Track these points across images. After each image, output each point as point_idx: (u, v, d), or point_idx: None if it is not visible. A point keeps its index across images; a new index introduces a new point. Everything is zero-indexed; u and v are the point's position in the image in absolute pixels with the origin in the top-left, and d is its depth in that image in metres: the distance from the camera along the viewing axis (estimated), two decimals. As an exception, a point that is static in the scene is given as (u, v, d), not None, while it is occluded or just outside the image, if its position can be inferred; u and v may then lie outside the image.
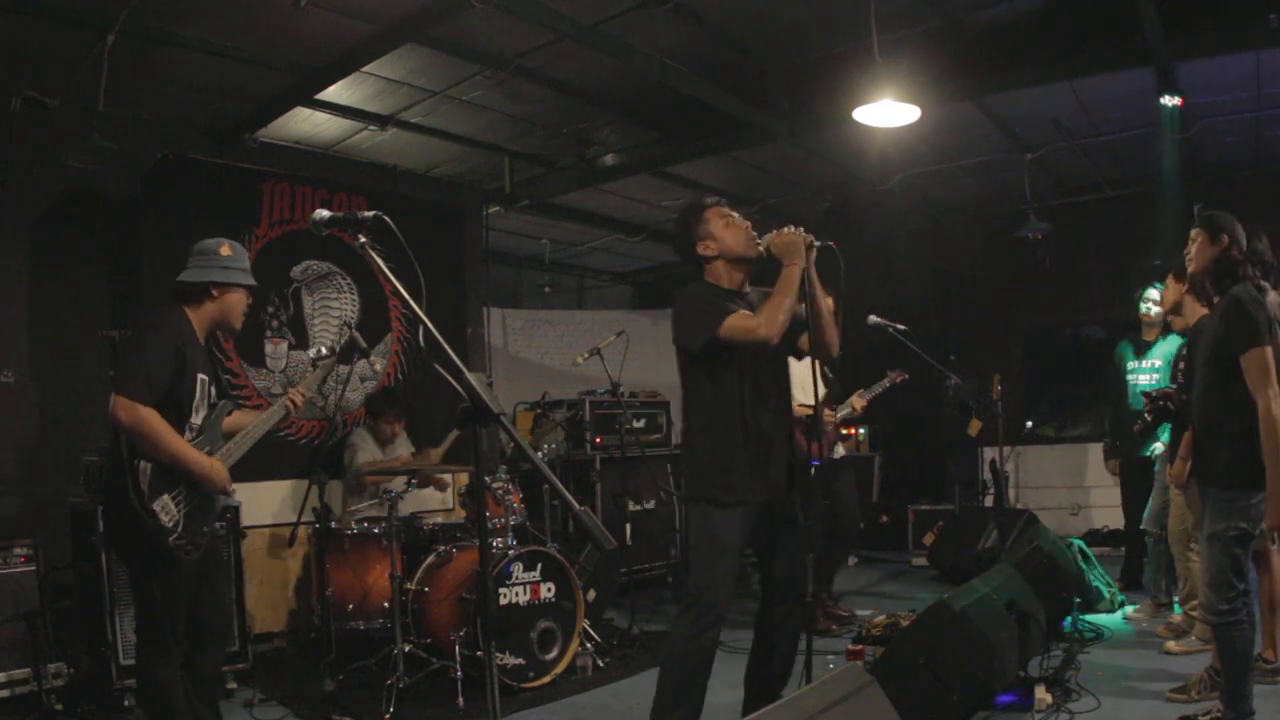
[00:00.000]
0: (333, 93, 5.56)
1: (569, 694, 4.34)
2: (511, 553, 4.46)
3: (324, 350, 3.72)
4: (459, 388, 2.16)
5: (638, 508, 6.56)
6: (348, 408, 5.91)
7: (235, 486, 3.33)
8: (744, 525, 3.14)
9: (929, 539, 7.31)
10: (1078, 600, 5.08)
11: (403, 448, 5.59)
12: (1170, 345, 5.38)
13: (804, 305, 3.10)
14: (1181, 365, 4.72)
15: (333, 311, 5.94)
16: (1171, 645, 4.54)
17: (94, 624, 4.21)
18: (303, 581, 5.53)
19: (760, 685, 3.34)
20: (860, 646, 4.33)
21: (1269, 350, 3.04)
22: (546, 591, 4.52)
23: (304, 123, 6.01)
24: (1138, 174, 7.43)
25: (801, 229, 3.14)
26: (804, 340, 3.19)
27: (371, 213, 2.29)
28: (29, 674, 4.09)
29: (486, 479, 4.82)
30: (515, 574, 4.43)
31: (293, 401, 3.48)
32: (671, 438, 7.31)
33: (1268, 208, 6.10)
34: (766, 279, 3.19)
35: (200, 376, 3.17)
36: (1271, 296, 3.20)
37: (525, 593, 4.45)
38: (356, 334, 4.02)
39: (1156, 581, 5.27)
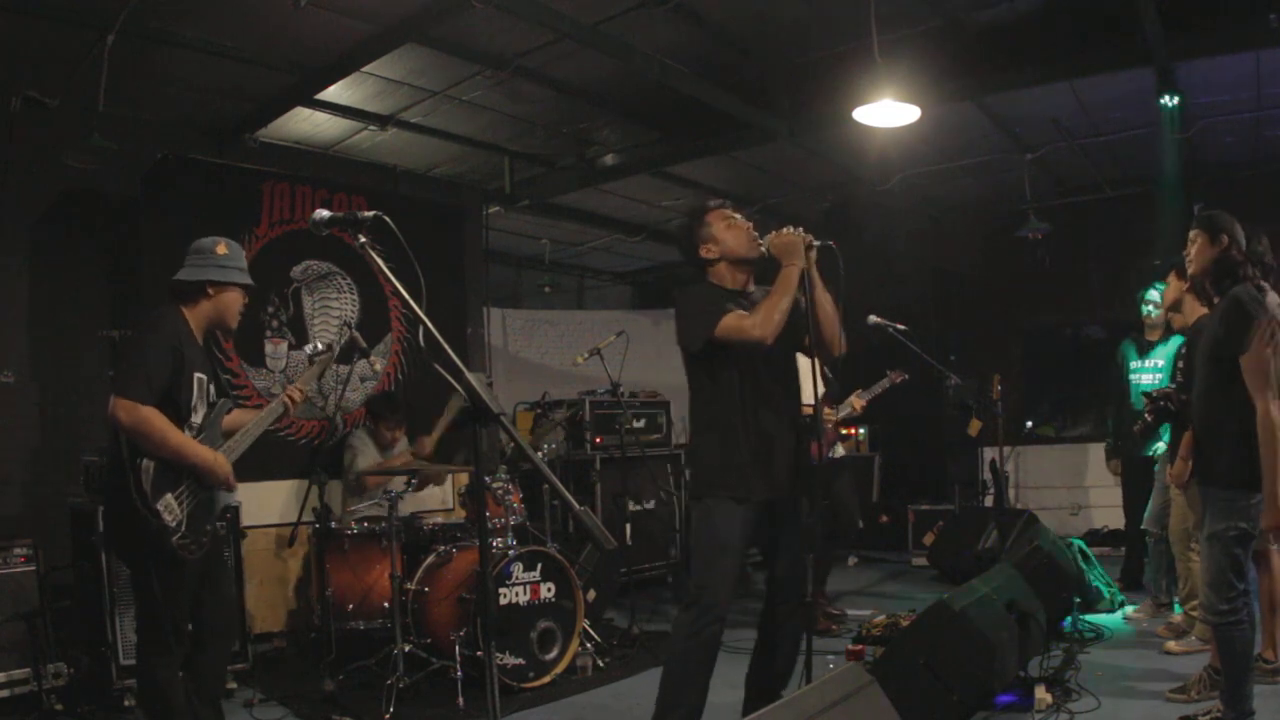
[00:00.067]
0: (333, 93, 5.56)
1: (569, 694, 4.34)
2: (511, 553, 4.46)
3: (319, 346, 3.71)
4: (459, 388, 2.16)
5: (638, 508, 6.56)
6: (348, 408, 5.92)
7: (234, 486, 3.33)
8: (745, 524, 3.15)
9: (929, 539, 7.31)
10: (1078, 600, 5.08)
11: (401, 451, 5.59)
12: (1173, 345, 5.38)
13: (805, 303, 3.10)
14: (1181, 365, 4.72)
15: (333, 311, 5.94)
16: (1171, 645, 4.54)
17: (94, 624, 4.21)
18: (303, 581, 5.53)
19: (762, 685, 3.35)
20: (860, 646, 4.33)
21: (1268, 352, 3.04)
22: (546, 591, 4.52)
23: (304, 123, 6.01)
24: (1138, 174, 7.43)
25: (801, 229, 3.15)
26: (831, 336, 3.19)
27: (371, 213, 2.29)
28: (29, 674, 4.09)
29: (486, 479, 4.82)
30: (515, 574, 4.43)
31: (290, 398, 3.48)
32: (672, 438, 7.32)
33: (1268, 208, 6.11)
34: (772, 280, 3.19)
35: (198, 375, 3.17)
36: (1271, 297, 3.20)
37: (525, 593, 4.45)
38: (356, 334, 4.03)
39: (1157, 581, 5.27)
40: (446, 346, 2.15)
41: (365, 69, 5.20)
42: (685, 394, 3.31)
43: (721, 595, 3.11)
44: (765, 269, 3.24)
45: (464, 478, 6.03)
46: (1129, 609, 5.44)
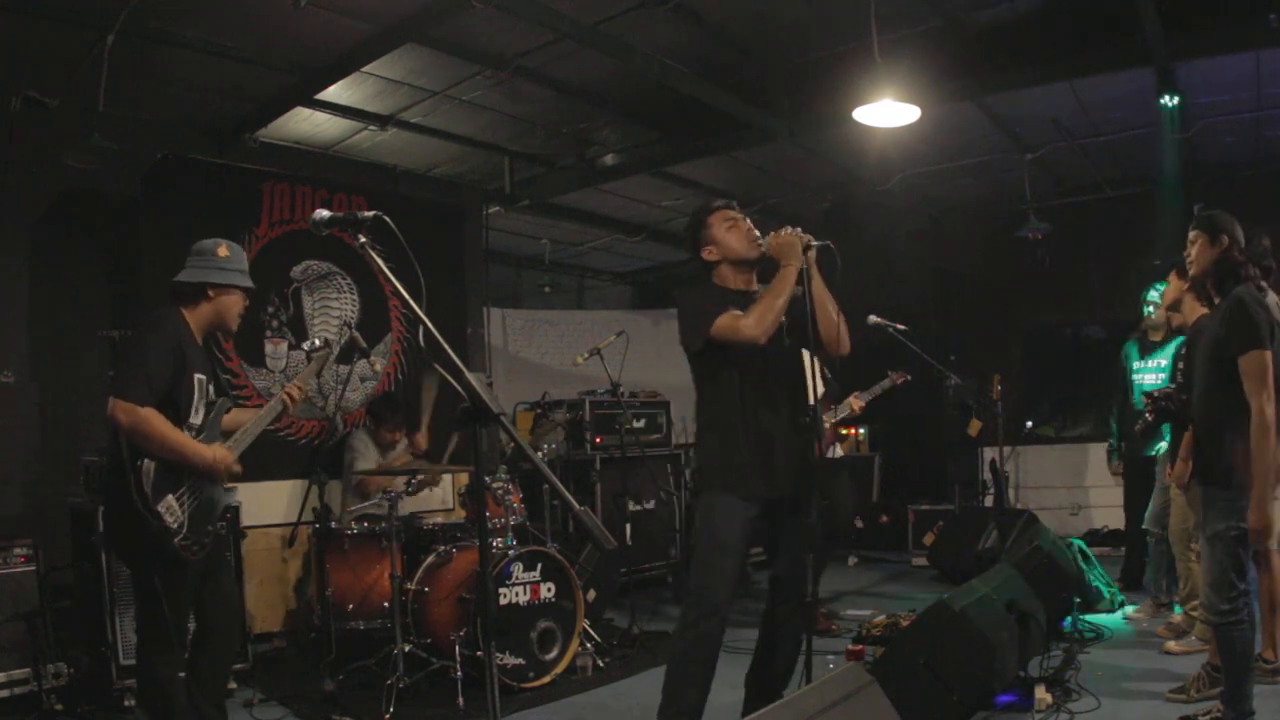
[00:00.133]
0: (333, 93, 5.56)
1: (569, 694, 4.34)
2: (511, 553, 4.46)
3: (318, 342, 3.70)
4: (459, 388, 2.16)
5: (638, 508, 6.55)
6: (348, 408, 5.92)
7: (235, 486, 3.33)
8: (746, 523, 3.15)
9: (929, 539, 7.31)
10: (1078, 600, 5.08)
11: (400, 453, 5.59)
12: (1176, 346, 5.38)
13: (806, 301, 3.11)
14: (1181, 365, 4.72)
15: (333, 311, 5.94)
16: (1171, 645, 4.54)
17: (94, 624, 4.21)
18: (303, 581, 5.53)
19: (762, 684, 3.35)
20: (860, 646, 4.33)
21: (1268, 354, 3.05)
22: (546, 591, 4.52)
23: (304, 123, 6.01)
24: (1138, 174, 7.43)
25: (799, 229, 3.15)
26: (830, 336, 3.19)
27: (371, 213, 2.29)
28: (29, 674, 4.09)
29: (486, 479, 4.82)
30: (515, 574, 4.43)
31: (289, 395, 3.47)
32: (671, 438, 7.32)
33: (1268, 208, 6.11)
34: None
35: (198, 376, 3.18)
36: (1272, 298, 3.20)
37: (525, 593, 4.45)
38: (356, 334, 4.02)
39: (1157, 581, 5.27)
40: (446, 346, 2.15)
41: (365, 69, 5.20)
42: (685, 394, 3.32)
43: (721, 593, 3.11)
44: (770, 269, 3.24)
45: (464, 478, 6.03)
46: (1129, 609, 5.44)
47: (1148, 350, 5.63)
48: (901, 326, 5.59)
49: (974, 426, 6.23)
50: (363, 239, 2.29)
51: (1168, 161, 6.28)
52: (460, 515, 5.93)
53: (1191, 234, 3.38)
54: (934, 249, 8.94)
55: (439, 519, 5.53)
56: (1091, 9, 5.17)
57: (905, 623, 4.31)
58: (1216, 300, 3.32)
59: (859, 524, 8.18)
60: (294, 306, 5.78)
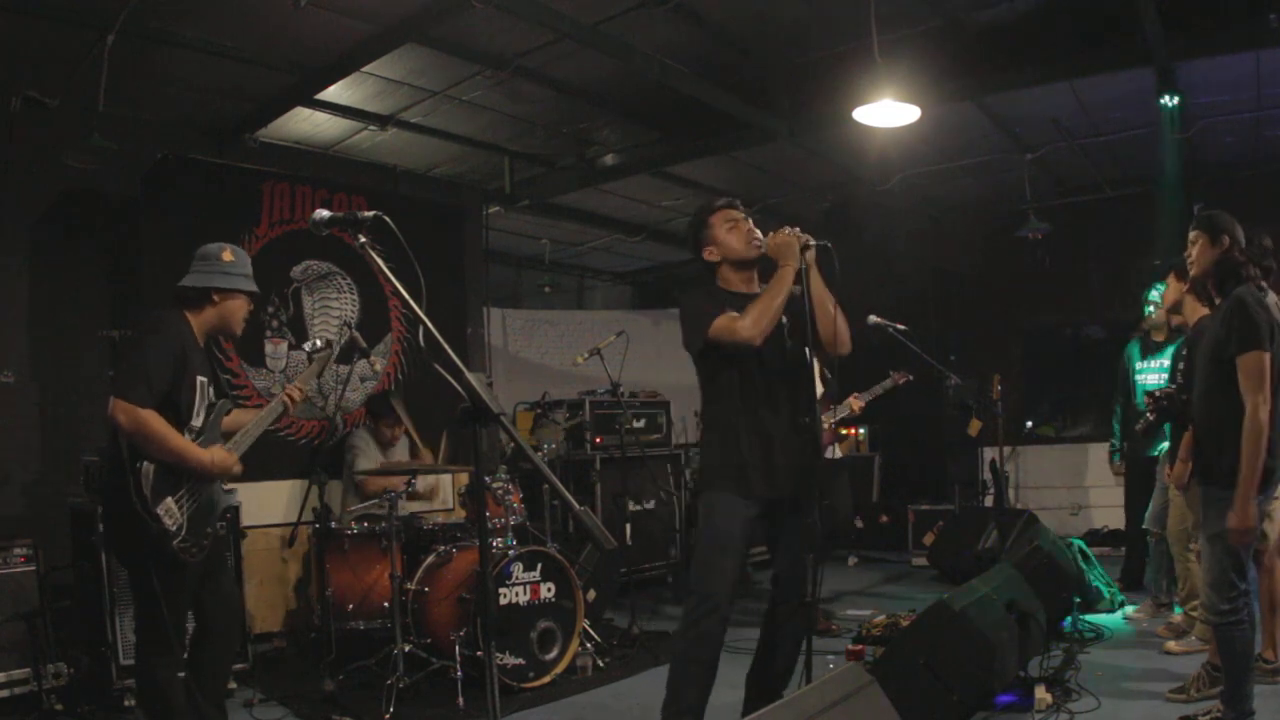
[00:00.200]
0: (333, 93, 5.56)
1: (569, 694, 4.34)
2: (511, 553, 4.46)
3: (319, 343, 3.71)
4: (459, 388, 2.16)
5: (638, 508, 6.55)
6: (348, 408, 5.92)
7: (235, 486, 3.33)
8: (746, 523, 3.16)
9: (929, 539, 7.31)
10: (1078, 600, 5.08)
11: (402, 451, 5.59)
12: (1177, 346, 5.38)
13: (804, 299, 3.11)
14: (1181, 365, 4.72)
15: (333, 311, 5.94)
16: (1171, 645, 4.54)
17: (94, 624, 4.21)
18: (303, 581, 5.53)
19: (762, 684, 3.35)
20: (860, 646, 4.33)
21: (1266, 356, 3.05)
22: (546, 591, 4.52)
23: (304, 123, 6.01)
24: (1138, 174, 7.43)
25: (797, 229, 3.15)
26: (828, 336, 3.19)
27: (371, 213, 2.29)
28: (29, 674, 4.09)
29: (486, 479, 4.81)
30: (515, 574, 4.43)
31: (290, 397, 3.48)
32: (671, 438, 7.32)
33: (1268, 208, 6.11)
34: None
35: (200, 379, 3.18)
36: (1272, 298, 3.20)
37: (525, 593, 4.45)
38: (356, 334, 4.02)
39: (1157, 581, 5.28)
40: (446, 346, 2.15)
41: (365, 69, 5.20)
42: (685, 394, 3.33)
43: (722, 592, 3.12)
44: (773, 270, 3.24)
45: (464, 478, 6.03)
46: (1129, 609, 5.44)
47: (1150, 350, 5.63)
48: (901, 326, 5.59)
49: (974, 426, 6.24)
50: (363, 239, 2.29)
51: (1168, 161, 6.28)
52: (460, 515, 5.92)
53: (1192, 234, 3.38)
54: (934, 249, 8.94)
55: (439, 519, 5.52)
56: (1091, 9, 5.17)
57: (905, 623, 4.30)
58: (1217, 300, 3.32)
59: (859, 524, 8.18)
60: (294, 306, 5.78)
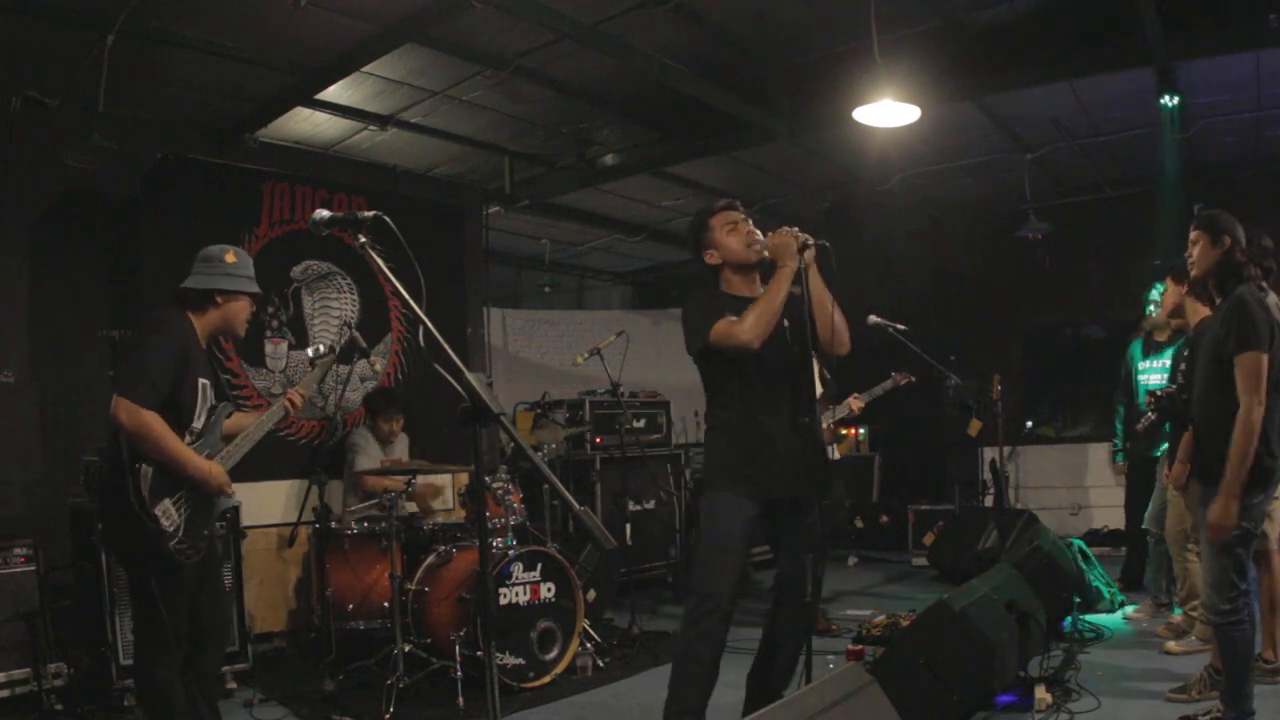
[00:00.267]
0: (333, 93, 5.56)
1: (569, 694, 4.34)
2: (511, 553, 4.46)
3: (322, 349, 3.71)
4: (459, 388, 2.15)
5: (638, 508, 6.56)
6: (348, 408, 5.92)
7: (235, 486, 3.33)
8: (747, 523, 3.16)
9: (929, 539, 7.31)
10: (1078, 600, 5.08)
11: (401, 447, 5.59)
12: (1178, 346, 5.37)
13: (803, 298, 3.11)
14: (1182, 366, 4.72)
15: (333, 311, 5.94)
16: (1171, 645, 4.53)
17: (94, 624, 4.21)
18: (303, 581, 5.53)
19: (763, 684, 3.35)
20: (860, 646, 4.32)
21: (1265, 357, 3.05)
22: (546, 591, 4.52)
23: (304, 123, 6.01)
24: (1138, 174, 7.43)
25: (796, 229, 3.15)
26: (826, 335, 3.19)
27: (371, 213, 2.29)
28: (29, 674, 4.08)
29: (486, 479, 4.81)
30: (515, 574, 4.43)
31: (292, 402, 3.47)
32: (672, 438, 7.31)
33: (1268, 208, 6.11)
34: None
35: (201, 381, 3.17)
36: (1273, 298, 3.20)
37: (525, 593, 4.45)
38: (356, 334, 4.02)
39: (1157, 581, 5.27)
40: (446, 346, 2.15)
41: (365, 69, 5.20)
42: (685, 394, 3.33)
43: (723, 592, 3.12)
44: (771, 270, 3.24)
45: (464, 478, 6.03)
46: (1129, 609, 5.44)
47: (1152, 350, 5.63)
48: (901, 326, 5.59)
49: (974, 426, 6.23)
50: (363, 239, 2.29)
51: (1168, 161, 6.28)
52: (460, 515, 5.92)
53: (1193, 234, 3.37)
54: (934, 249, 8.95)
55: (439, 519, 5.52)
56: (1091, 9, 5.17)
57: (905, 623, 4.30)
58: (1218, 300, 3.32)
59: (859, 524, 8.19)
60: (294, 306, 5.78)
